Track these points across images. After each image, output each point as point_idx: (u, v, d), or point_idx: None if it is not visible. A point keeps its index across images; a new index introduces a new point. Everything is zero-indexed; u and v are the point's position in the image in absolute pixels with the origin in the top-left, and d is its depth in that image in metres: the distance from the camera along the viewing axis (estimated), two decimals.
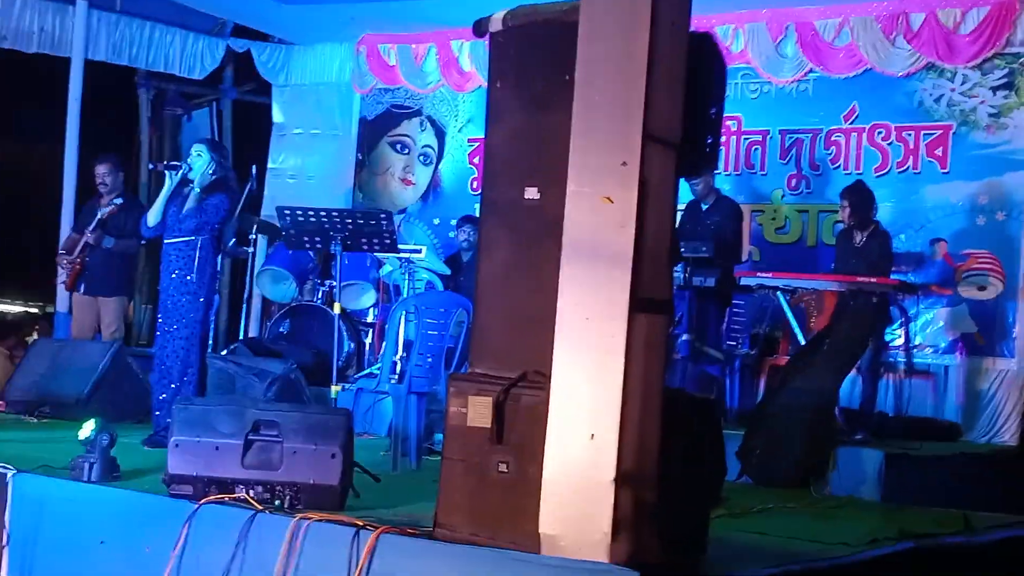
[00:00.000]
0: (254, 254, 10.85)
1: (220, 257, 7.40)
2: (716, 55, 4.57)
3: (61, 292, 9.90)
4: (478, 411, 4.29)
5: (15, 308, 20.91)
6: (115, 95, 12.74)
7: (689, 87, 4.11)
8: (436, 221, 11.67)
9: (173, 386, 6.88)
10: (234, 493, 4.80)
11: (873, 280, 8.19)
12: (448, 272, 10.11)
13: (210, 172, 7.01)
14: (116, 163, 9.33)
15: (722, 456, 5.22)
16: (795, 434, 7.15)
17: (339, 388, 7.07)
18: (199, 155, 7.06)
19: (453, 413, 4.35)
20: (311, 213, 7.40)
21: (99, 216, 8.96)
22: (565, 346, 3.97)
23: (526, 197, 4.34)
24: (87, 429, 5.37)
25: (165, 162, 7.39)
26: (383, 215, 7.61)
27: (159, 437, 6.58)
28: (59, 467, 5.44)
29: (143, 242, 9.00)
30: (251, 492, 4.80)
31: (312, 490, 4.86)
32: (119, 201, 9.06)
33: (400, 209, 11.82)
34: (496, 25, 4.47)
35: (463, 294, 8.92)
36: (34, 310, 20.03)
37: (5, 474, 5.30)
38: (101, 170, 9.20)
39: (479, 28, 4.55)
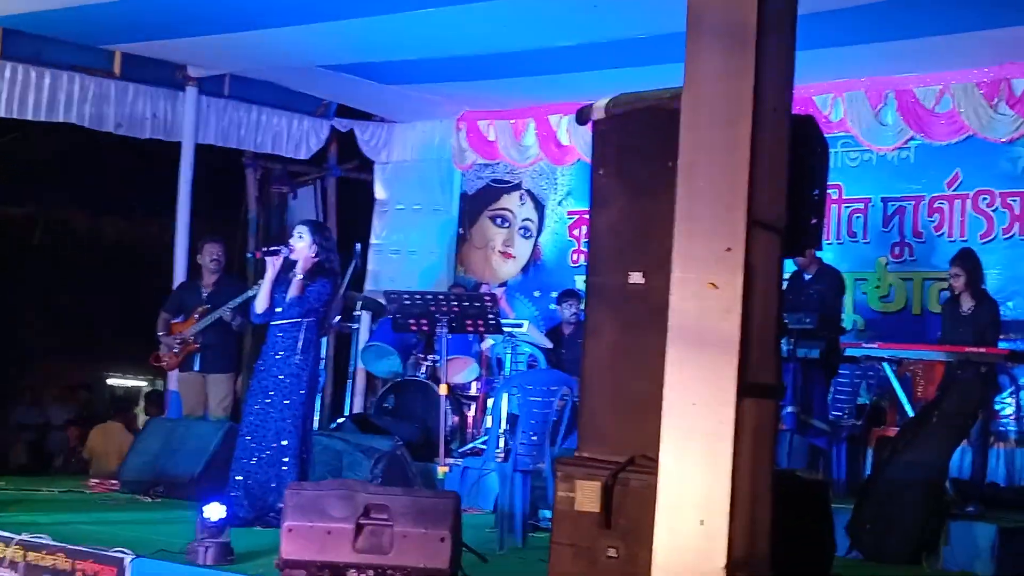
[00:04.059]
0: (358, 330, 11.03)
1: (325, 337, 7.52)
2: (818, 137, 4.61)
3: (169, 371, 10.12)
4: (586, 495, 4.32)
5: (127, 382, 21.41)
6: (223, 175, 13.06)
7: (792, 170, 4.14)
8: (537, 293, 11.76)
9: (278, 465, 6.98)
10: None
11: (982, 350, 8.07)
12: (550, 345, 10.16)
13: (312, 255, 7.13)
14: (225, 244, 9.61)
15: (832, 534, 5.19)
16: (906, 508, 7.05)
17: (446, 469, 7.13)
18: (300, 237, 7.19)
19: (561, 497, 4.38)
20: (417, 297, 7.51)
21: (250, 295, 9.00)
22: (673, 431, 3.98)
23: (631, 282, 4.41)
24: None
25: (265, 248, 7.54)
26: (487, 297, 7.70)
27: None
28: (175, 550, 5.57)
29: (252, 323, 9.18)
30: None
31: (422, 573, 4.91)
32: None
33: (501, 282, 11.93)
34: (599, 113, 4.55)
35: (565, 368, 9.00)
36: (143, 384, 20.51)
37: (124, 559, 5.43)
38: (216, 249, 9.43)
39: (582, 116, 4.63)
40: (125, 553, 5.48)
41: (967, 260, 8.57)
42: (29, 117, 10.24)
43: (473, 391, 10.38)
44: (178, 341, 9.30)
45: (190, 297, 9.48)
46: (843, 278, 9.25)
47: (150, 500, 8.22)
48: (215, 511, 5.47)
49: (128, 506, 7.99)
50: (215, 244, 9.49)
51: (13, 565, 5.85)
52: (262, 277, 7.42)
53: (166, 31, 9.74)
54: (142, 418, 13.71)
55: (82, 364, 20.06)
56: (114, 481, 8.86)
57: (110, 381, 21.46)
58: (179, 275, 10.76)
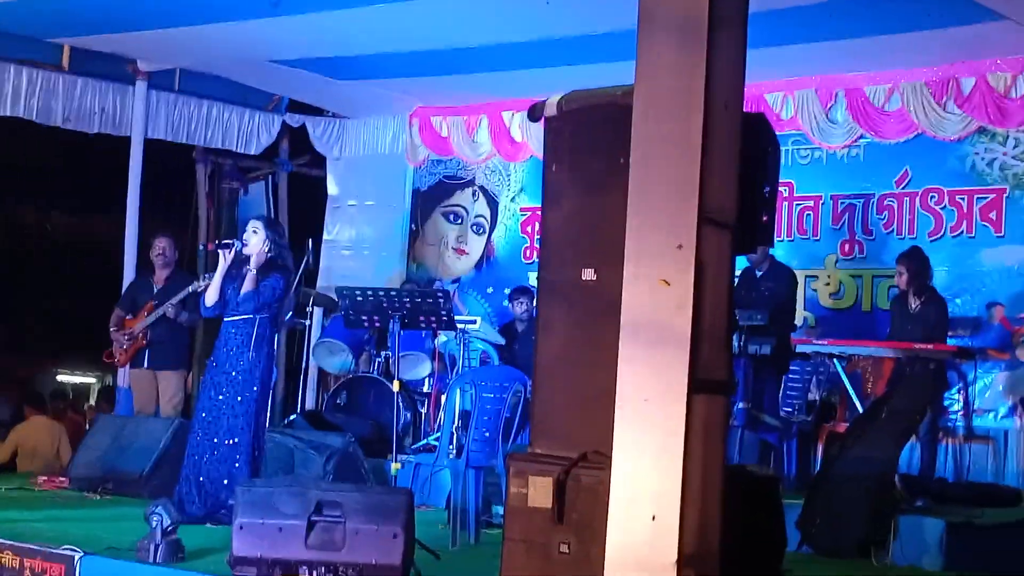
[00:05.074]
0: (310, 326, 10.98)
1: (277, 333, 7.49)
2: (769, 134, 4.64)
3: (119, 367, 10.05)
4: (539, 491, 4.33)
5: (75, 379, 21.24)
6: (173, 170, 12.97)
7: (743, 167, 4.16)
8: (490, 290, 11.75)
9: (230, 462, 6.94)
10: (298, 574, 4.85)
11: (930, 347, 8.16)
12: (503, 342, 10.17)
13: (266, 251, 7.10)
14: (176, 239, 9.56)
15: (782, 530, 5.22)
16: (855, 503, 7.10)
17: (399, 466, 7.12)
18: (255, 232, 7.15)
19: (514, 493, 4.39)
20: (369, 293, 7.49)
21: (192, 290, 8.97)
22: (625, 427, 3.99)
23: (583, 278, 4.41)
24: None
25: (218, 241, 7.49)
26: (440, 294, 7.70)
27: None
28: (125, 548, 5.53)
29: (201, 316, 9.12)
30: (315, 573, 4.86)
31: (375, 570, 4.90)
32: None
33: (454, 279, 11.92)
34: (551, 110, 4.55)
35: (518, 364, 9.00)
36: (92, 380, 20.36)
37: (73, 556, 5.39)
38: (163, 243, 9.39)
39: (534, 113, 4.63)
40: (74, 551, 5.44)
41: (911, 259, 8.67)
42: None
43: (426, 388, 10.37)
44: (127, 337, 9.24)
45: (142, 293, 9.45)
46: (795, 275, 9.32)
47: (99, 497, 8.15)
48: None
49: (77, 503, 7.92)
50: (163, 239, 9.46)
51: None
52: (213, 270, 7.38)
53: (115, 24, 9.66)
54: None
55: (32, 360, 19.90)
56: (63, 478, 8.77)
57: (60, 377, 21.30)
58: (128, 271, 10.67)
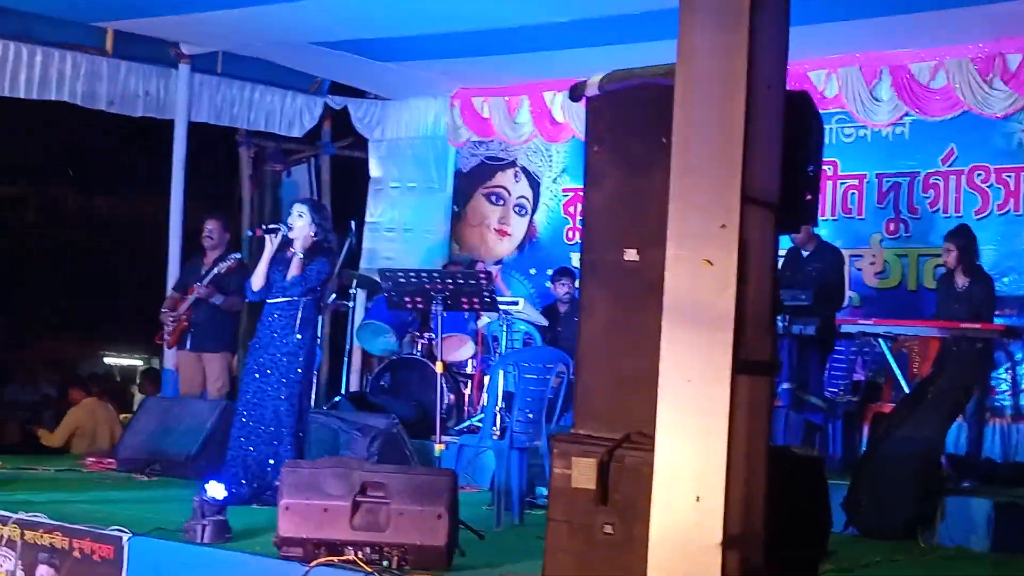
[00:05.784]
0: (354, 308, 11.03)
1: (321, 315, 7.52)
2: (812, 113, 4.60)
3: (168, 348, 10.13)
4: (582, 472, 4.32)
5: (122, 361, 21.41)
6: (217, 153, 13.06)
7: (786, 146, 4.13)
8: (533, 271, 11.75)
9: (275, 443, 6.98)
10: (343, 555, 4.89)
11: (977, 326, 8.09)
12: (546, 323, 10.16)
13: (311, 235, 7.13)
14: (226, 221, 9.61)
15: (828, 510, 5.20)
16: (902, 484, 7.07)
17: (443, 447, 7.13)
18: (300, 216, 7.17)
19: (557, 474, 4.38)
20: (412, 275, 7.49)
21: (216, 272, 9.10)
22: (668, 408, 3.97)
23: (626, 259, 4.40)
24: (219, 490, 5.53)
25: (264, 226, 7.51)
26: (483, 275, 7.70)
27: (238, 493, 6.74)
28: (172, 529, 5.58)
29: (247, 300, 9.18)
30: (360, 553, 4.89)
31: (419, 551, 4.92)
32: (238, 256, 9.24)
33: (497, 260, 11.93)
34: (592, 90, 4.53)
35: (561, 345, 9.00)
36: (139, 362, 20.53)
37: (122, 537, 5.45)
38: (211, 226, 9.44)
39: (575, 93, 4.61)
40: (123, 531, 5.50)
41: (960, 236, 8.60)
42: (21, 95, 10.20)
43: (469, 369, 10.40)
44: (171, 319, 9.32)
45: (191, 275, 9.51)
46: (842, 255, 9.27)
47: (147, 479, 8.24)
48: (216, 490, 5.49)
49: (124, 485, 8.01)
50: (211, 221, 9.51)
51: (11, 544, 5.87)
52: (259, 255, 7.42)
53: (158, 8, 9.72)
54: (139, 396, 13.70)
55: (78, 343, 20.08)
56: (110, 460, 8.87)
57: (107, 360, 21.48)
58: (173, 253, 10.74)
